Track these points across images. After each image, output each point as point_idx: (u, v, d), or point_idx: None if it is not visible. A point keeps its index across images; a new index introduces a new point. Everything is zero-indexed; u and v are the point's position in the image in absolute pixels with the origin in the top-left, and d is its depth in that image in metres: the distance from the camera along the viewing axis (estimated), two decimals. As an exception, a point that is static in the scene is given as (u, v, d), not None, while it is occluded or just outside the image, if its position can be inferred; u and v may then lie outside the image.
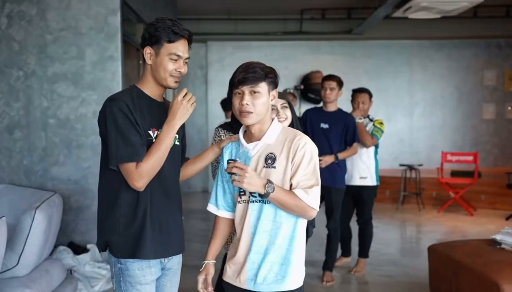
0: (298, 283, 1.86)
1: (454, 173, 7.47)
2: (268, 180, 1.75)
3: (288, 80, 9.05)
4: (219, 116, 7.97)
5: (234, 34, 8.42)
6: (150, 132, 1.85)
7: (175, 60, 1.87)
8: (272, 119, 1.90)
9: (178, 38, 1.86)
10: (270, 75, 1.85)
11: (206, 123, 9.16)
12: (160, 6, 6.11)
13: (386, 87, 9.21)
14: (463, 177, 7.31)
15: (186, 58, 1.91)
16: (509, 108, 9.28)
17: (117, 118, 1.78)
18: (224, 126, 2.69)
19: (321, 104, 4.24)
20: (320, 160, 3.80)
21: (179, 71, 1.90)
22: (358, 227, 4.45)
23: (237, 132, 2.41)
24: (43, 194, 3.10)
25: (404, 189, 7.63)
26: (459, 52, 9.24)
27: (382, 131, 4.38)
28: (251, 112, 1.78)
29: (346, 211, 4.36)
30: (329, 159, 3.88)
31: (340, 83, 4.08)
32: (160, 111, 1.92)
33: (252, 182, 1.73)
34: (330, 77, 4.09)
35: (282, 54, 9.06)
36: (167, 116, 1.89)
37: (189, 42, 1.93)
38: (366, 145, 4.29)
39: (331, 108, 4.08)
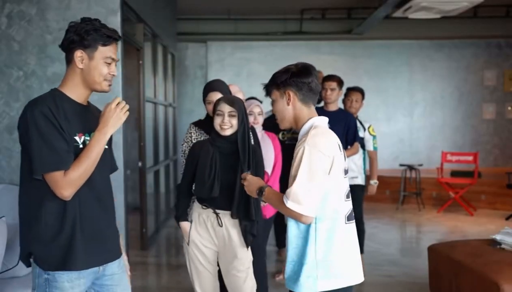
0: (309, 288, 1.83)
1: (454, 173, 7.47)
2: (263, 185, 1.98)
3: (288, 80, 9.03)
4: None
5: (234, 34, 8.42)
6: (77, 138, 1.77)
7: (109, 63, 1.82)
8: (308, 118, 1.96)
9: (112, 41, 1.81)
10: (275, 80, 1.97)
11: (206, 123, 9.14)
12: (160, 6, 6.11)
13: (386, 87, 9.21)
14: (463, 177, 7.31)
15: (117, 61, 1.88)
16: (509, 108, 9.28)
17: (40, 123, 1.68)
18: (197, 123, 2.87)
19: (322, 104, 4.25)
20: None
21: (113, 75, 1.85)
22: None
23: (208, 130, 2.73)
24: (43, 194, 3.09)
25: (404, 189, 7.63)
26: (459, 52, 9.24)
27: (376, 137, 4.48)
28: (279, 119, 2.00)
29: None
30: None
31: (340, 83, 4.11)
32: (86, 115, 1.84)
33: (249, 189, 2.04)
34: (331, 78, 4.11)
35: (282, 54, 9.05)
36: (94, 121, 1.83)
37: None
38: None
39: (332, 108, 4.10)
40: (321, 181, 1.79)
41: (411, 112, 9.34)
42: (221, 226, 2.50)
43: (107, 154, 1.91)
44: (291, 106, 1.93)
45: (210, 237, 2.54)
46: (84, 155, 1.74)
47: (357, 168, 4.29)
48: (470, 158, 7.40)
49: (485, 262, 3.06)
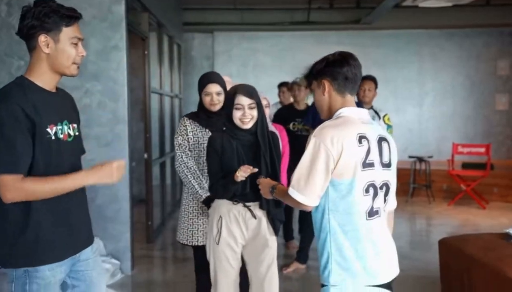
0: (325, 279, 1.83)
1: (466, 165, 7.35)
2: (274, 184, 2.08)
3: (295, 70, 8.92)
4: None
5: (240, 24, 8.32)
6: (48, 130, 1.71)
7: (75, 43, 1.76)
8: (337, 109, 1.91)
9: (74, 20, 1.76)
10: (312, 70, 1.94)
11: (213, 114, 9.08)
12: (165, -5, 6.02)
13: (395, 77, 9.07)
14: (475, 169, 7.18)
15: (82, 40, 1.81)
16: (522, 98, 9.10)
17: (5, 122, 1.61)
18: (190, 116, 2.84)
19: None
20: None
21: (82, 55, 1.78)
22: None
23: (203, 123, 2.79)
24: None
25: (414, 181, 7.52)
26: (470, 41, 9.05)
27: (391, 127, 4.35)
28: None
29: None
30: None
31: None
32: (56, 104, 1.79)
33: (264, 191, 2.15)
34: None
35: (289, 44, 8.95)
36: (64, 108, 1.79)
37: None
38: None
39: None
40: (320, 172, 1.75)
41: (421, 103, 9.20)
42: (256, 218, 2.50)
43: (77, 143, 1.88)
44: (327, 96, 1.89)
45: (241, 232, 2.50)
46: (56, 180, 1.68)
47: None
48: (482, 149, 7.25)
49: (498, 256, 2.98)
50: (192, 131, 2.80)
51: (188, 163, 2.78)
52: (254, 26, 8.46)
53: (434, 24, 8.58)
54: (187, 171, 2.77)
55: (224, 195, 2.46)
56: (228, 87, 2.72)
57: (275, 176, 2.46)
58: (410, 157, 7.82)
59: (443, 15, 8.00)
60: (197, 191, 2.74)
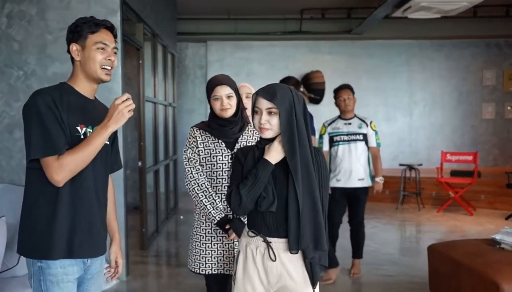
0: None
1: (454, 173, 7.47)
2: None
3: (288, 80, 9.04)
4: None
5: (234, 34, 8.42)
6: (78, 128, 1.80)
7: (102, 48, 1.84)
8: None
9: (100, 27, 1.86)
10: None
11: (206, 123, 9.14)
12: (160, 6, 6.11)
13: (386, 87, 9.22)
14: (462, 176, 7.31)
15: (114, 48, 1.88)
16: (509, 108, 9.29)
17: (41, 111, 1.73)
18: (200, 126, 2.48)
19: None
20: None
21: (109, 60, 1.86)
22: (350, 228, 4.36)
23: (215, 133, 2.40)
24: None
25: (404, 188, 7.64)
26: (458, 52, 9.24)
27: (377, 133, 4.41)
28: None
29: (340, 214, 4.29)
30: None
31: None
32: (90, 109, 1.88)
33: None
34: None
35: (282, 54, 9.07)
36: (97, 115, 1.85)
37: (113, 34, 1.91)
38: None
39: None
40: None
41: (411, 112, 9.35)
42: (274, 260, 1.86)
43: (106, 150, 1.92)
44: None
45: (259, 277, 1.90)
46: (82, 145, 1.76)
47: (364, 169, 4.23)
48: (470, 157, 7.40)
49: (485, 262, 3.06)
50: (203, 143, 2.43)
51: (198, 179, 2.41)
52: (247, 36, 8.57)
53: (424, 35, 8.76)
54: (197, 189, 2.40)
55: (242, 201, 1.84)
56: (244, 93, 2.55)
57: (315, 214, 1.85)
58: (400, 165, 7.94)
59: (432, 26, 8.18)
60: (210, 212, 2.36)
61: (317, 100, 8.93)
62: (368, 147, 4.31)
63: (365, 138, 4.26)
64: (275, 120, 1.86)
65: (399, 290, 4.02)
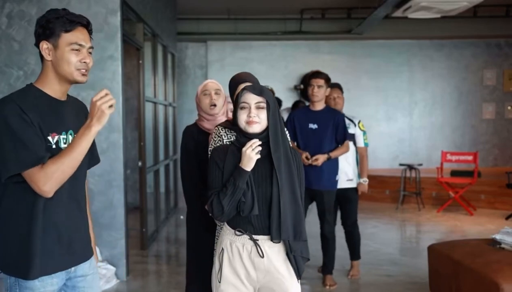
0: None
1: (454, 173, 7.47)
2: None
3: (288, 79, 9.05)
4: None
5: (234, 33, 8.42)
6: (49, 138, 1.66)
7: (77, 50, 1.68)
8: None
9: (75, 25, 1.68)
10: None
11: (206, 122, 9.15)
12: (160, 6, 6.11)
13: (386, 87, 9.22)
14: (462, 176, 7.31)
15: (90, 48, 1.72)
16: (509, 107, 9.29)
17: (11, 121, 1.58)
18: (225, 125, 2.45)
19: (308, 103, 4.14)
20: (315, 160, 3.80)
21: (85, 62, 1.70)
22: (345, 230, 4.32)
23: (238, 131, 2.33)
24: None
25: (404, 188, 7.63)
26: (458, 52, 9.24)
27: (366, 133, 4.36)
28: None
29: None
30: (321, 158, 3.80)
31: (327, 81, 3.94)
32: (61, 112, 1.73)
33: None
34: (318, 75, 3.92)
35: (282, 53, 9.07)
36: (70, 117, 1.73)
37: (89, 31, 1.74)
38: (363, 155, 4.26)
39: (319, 106, 3.93)
40: None
41: (411, 112, 9.35)
42: (262, 256, 1.93)
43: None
44: None
45: (247, 272, 1.96)
46: (66, 150, 1.63)
47: (352, 169, 4.20)
48: (470, 157, 7.40)
49: (485, 262, 3.06)
50: (230, 141, 2.34)
51: None
52: (247, 36, 8.58)
53: (424, 35, 8.77)
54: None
55: (224, 210, 1.90)
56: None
57: (295, 207, 1.95)
58: (400, 165, 7.94)
59: (432, 26, 8.18)
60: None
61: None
62: (356, 147, 4.26)
63: (353, 138, 4.19)
64: (263, 114, 1.94)
65: (399, 290, 4.02)
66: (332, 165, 3.93)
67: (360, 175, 4.25)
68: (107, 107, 1.62)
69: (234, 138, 2.34)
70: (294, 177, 1.96)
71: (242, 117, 1.95)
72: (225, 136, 2.40)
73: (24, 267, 1.66)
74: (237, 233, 1.95)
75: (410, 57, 9.25)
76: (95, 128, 1.63)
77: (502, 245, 3.24)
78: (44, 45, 1.69)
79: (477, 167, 7.15)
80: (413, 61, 9.26)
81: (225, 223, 2.03)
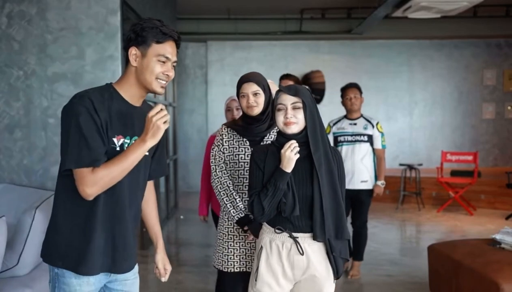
0: None
1: (454, 173, 7.48)
2: None
3: (288, 79, 9.05)
4: (219, 116, 7.97)
5: (234, 33, 8.42)
6: (115, 140, 1.71)
7: (163, 62, 1.74)
8: None
9: (167, 38, 1.74)
10: None
11: (206, 122, 9.16)
12: (160, 5, 6.11)
13: (386, 86, 9.22)
14: (462, 176, 7.31)
15: (174, 62, 1.78)
16: (509, 107, 9.29)
17: (79, 117, 1.63)
18: (229, 124, 2.54)
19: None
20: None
21: (167, 75, 1.75)
22: (353, 230, 4.31)
23: (241, 131, 2.43)
24: (43, 194, 3.10)
25: (404, 188, 7.64)
26: (459, 52, 9.25)
27: (384, 134, 4.34)
28: None
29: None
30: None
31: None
32: (132, 117, 1.76)
33: None
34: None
35: (282, 53, 9.07)
36: (140, 124, 1.74)
37: (177, 45, 1.81)
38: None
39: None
40: None
41: (411, 112, 9.36)
42: (302, 254, 1.94)
43: (145, 162, 1.84)
44: None
45: (284, 271, 1.97)
46: (118, 159, 1.67)
47: (368, 171, 4.16)
48: (470, 157, 7.40)
49: (485, 262, 3.06)
50: (228, 141, 2.46)
51: (222, 178, 2.46)
52: (247, 36, 8.57)
53: (424, 35, 8.77)
54: (220, 188, 2.45)
55: (264, 211, 1.92)
56: (272, 91, 2.48)
57: (336, 206, 1.96)
58: (400, 164, 7.94)
59: (432, 26, 8.18)
60: (230, 211, 2.41)
61: (317, 100, 8.94)
62: (373, 149, 4.22)
63: (370, 139, 4.17)
64: (300, 115, 1.94)
65: (399, 290, 4.02)
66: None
67: (377, 177, 4.24)
68: (162, 122, 1.65)
69: (235, 136, 2.45)
70: (335, 177, 1.96)
71: (280, 119, 1.96)
72: (225, 136, 2.46)
73: (76, 261, 1.70)
74: (277, 231, 1.96)
75: (410, 57, 9.25)
76: (149, 143, 1.67)
77: (502, 245, 3.24)
78: (133, 51, 1.73)
79: (477, 167, 7.15)
80: (413, 61, 9.26)
81: (265, 222, 2.04)
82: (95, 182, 1.63)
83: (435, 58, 9.25)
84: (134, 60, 1.73)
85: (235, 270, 2.46)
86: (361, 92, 4.31)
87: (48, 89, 4.07)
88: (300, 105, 1.94)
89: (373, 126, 4.22)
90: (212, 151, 2.51)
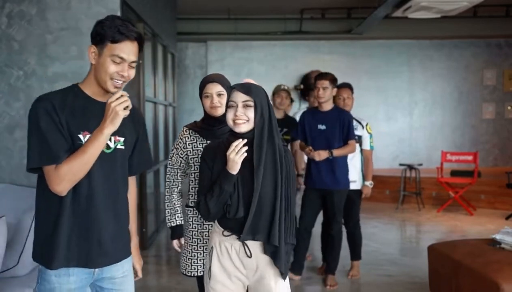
0: None
1: (454, 173, 7.48)
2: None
3: (288, 79, 9.05)
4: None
5: (234, 33, 8.43)
6: (81, 136, 1.71)
7: (118, 62, 1.71)
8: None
9: (123, 38, 1.70)
10: None
11: (206, 122, 9.16)
12: (160, 5, 6.11)
13: (386, 86, 9.23)
14: (462, 176, 7.31)
15: (132, 62, 1.74)
16: (509, 107, 9.29)
17: (39, 118, 1.66)
18: (191, 126, 2.49)
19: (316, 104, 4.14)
20: (317, 154, 3.83)
21: (122, 75, 1.72)
22: (347, 231, 4.31)
23: (204, 133, 2.39)
24: (43, 194, 3.09)
25: (404, 188, 7.64)
26: (459, 52, 9.25)
27: (372, 135, 4.34)
28: None
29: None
30: (323, 153, 3.81)
31: (333, 81, 3.92)
32: (100, 112, 1.73)
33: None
34: (323, 76, 3.91)
35: (282, 53, 9.07)
36: None
37: (140, 44, 1.77)
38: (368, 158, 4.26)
39: (327, 107, 3.93)
40: None
41: (411, 112, 9.36)
42: (250, 256, 1.93)
43: (121, 156, 1.83)
44: None
45: (236, 268, 1.96)
46: (77, 152, 1.67)
47: (356, 171, 4.18)
48: (470, 157, 7.40)
49: (485, 262, 3.06)
50: (192, 143, 2.44)
51: (170, 181, 2.52)
52: (247, 36, 8.58)
53: (424, 35, 8.77)
54: (167, 191, 2.54)
55: (210, 212, 1.90)
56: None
57: (273, 210, 1.89)
58: (400, 164, 7.94)
59: (432, 26, 8.18)
60: (166, 216, 2.52)
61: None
62: (361, 149, 4.25)
63: (359, 140, 4.19)
64: (251, 113, 1.88)
65: (399, 290, 4.02)
66: (342, 164, 3.94)
67: (364, 178, 4.25)
68: (122, 108, 1.65)
69: (197, 138, 2.43)
70: (278, 179, 1.89)
71: (229, 116, 1.91)
72: (188, 138, 2.45)
73: (48, 256, 1.73)
74: (225, 234, 1.95)
75: (410, 57, 9.25)
76: (108, 130, 1.66)
77: (502, 245, 3.24)
78: (92, 49, 1.74)
79: (477, 167, 7.15)
80: (413, 61, 9.26)
81: (215, 222, 2.02)
82: (61, 178, 1.66)
83: (435, 58, 9.25)
84: (93, 58, 1.74)
85: (199, 274, 2.44)
86: (352, 92, 4.32)
87: (48, 89, 4.06)
88: (252, 103, 1.88)
89: (362, 127, 4.26)
90: (170, 152, 2.53)
